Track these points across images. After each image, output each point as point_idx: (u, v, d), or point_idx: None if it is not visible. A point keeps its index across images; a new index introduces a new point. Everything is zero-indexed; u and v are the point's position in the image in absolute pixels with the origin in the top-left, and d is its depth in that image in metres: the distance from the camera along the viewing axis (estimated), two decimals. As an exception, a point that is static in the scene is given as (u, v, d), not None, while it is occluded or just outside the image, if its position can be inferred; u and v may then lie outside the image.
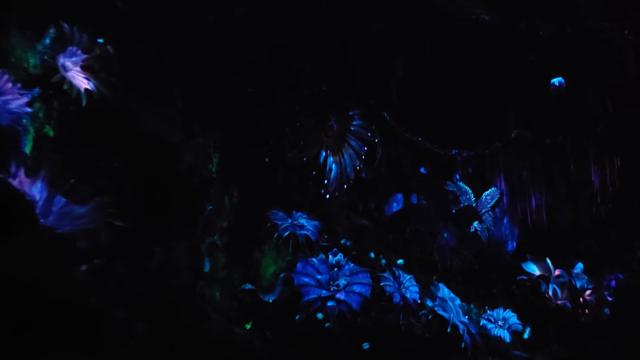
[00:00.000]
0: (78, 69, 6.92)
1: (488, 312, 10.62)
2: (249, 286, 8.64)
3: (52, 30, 6.72)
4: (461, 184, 12.88)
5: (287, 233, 9.15)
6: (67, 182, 6.11)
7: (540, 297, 11.22)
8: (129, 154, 7.58)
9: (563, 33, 9.83)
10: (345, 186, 10.54)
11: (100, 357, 5.52)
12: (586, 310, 11.19)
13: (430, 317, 9.37)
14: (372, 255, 9.41)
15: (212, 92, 9.45)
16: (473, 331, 9.63)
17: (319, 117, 10.65)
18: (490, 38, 10.45)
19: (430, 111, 12.20)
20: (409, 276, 9.54)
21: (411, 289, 9.41)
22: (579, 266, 11.97)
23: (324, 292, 8.72)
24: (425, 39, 10.56)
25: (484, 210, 12.87)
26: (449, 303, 9.91)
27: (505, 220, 13.28)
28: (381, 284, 9.10)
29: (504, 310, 10.56)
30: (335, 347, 8.30)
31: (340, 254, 9.10)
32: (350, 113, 10.84)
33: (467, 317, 10.13)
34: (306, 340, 8.25)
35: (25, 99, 6.38)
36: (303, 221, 9.40)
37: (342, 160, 10.57)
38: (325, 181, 10.37)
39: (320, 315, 8.39)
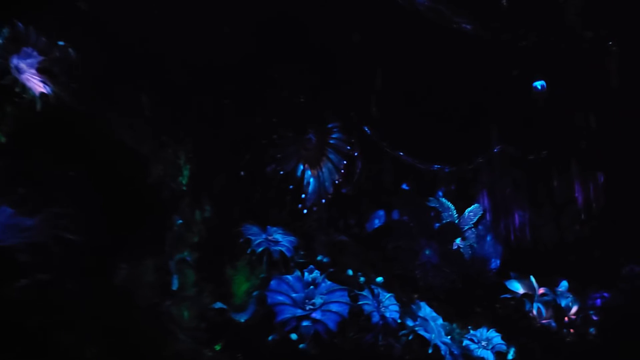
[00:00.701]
0: (33, 71, 6.42)
1: (471, 332, 10.13)
2: (219, 305, 8.10)
3: (5, 30, 6.23)
4: (444, 200, 12.44)
5: (261, 249, 8.64)
6: (16, 192, 5.56)
7: (525, 316, 10.76)
8: (91, 164, 7.06)
9: (546, 44, 9.51)
10: (323, 201, 10.06)
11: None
12: (571, 330, 10.74)
13: (410, 337, 8.88)
14: (351, 272, 8.92)
15: (185, 101, 8.98)
16: (455, 352, 9.13)
17: (297, 129, 10.19)
18: (473, 49, 10.09)
19: (412, 125, 11.81)
20: (388, 294, 9.05)
21: (391, 308, 8.92)
22: (564, 284, 11.53)
23: (299, 312, 8.20)
24: (406, 50, 10.16)
25: (466, 227, 12.42)
26: (431, 323, 9.42)
27: (488, 238, 12.83)
28: (359, 302, 8.61)
29: (488, 330, 10.08)
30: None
31: (316, 271, 8.60)
32: (330, 126, 10.40)
33: (449, 337, 9.64)
34: (279, 362, 7.70)
35: (-27, 103, 5.87)
36: (278, 236, 8.90)
37: (320, 174, 10.11)
38: (303, 196, 9.89)
39: (294, 336, 7.87)
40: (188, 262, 8.18)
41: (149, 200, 7.89)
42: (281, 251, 8.71)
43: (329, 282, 8.56)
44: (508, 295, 11.23)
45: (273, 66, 10.21)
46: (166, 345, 7.31)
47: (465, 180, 12.78)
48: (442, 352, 8.84)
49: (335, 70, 10.39)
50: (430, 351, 8.76)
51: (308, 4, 9.73)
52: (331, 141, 10.35)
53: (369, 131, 11.45)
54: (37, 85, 6.42)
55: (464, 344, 9.80)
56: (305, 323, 8.08)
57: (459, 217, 12.42)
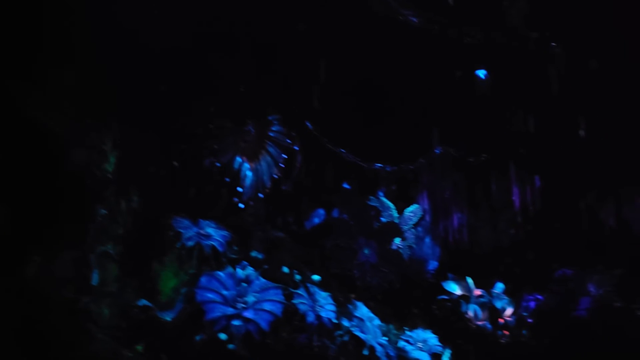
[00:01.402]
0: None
1: (407, 333, 9.86)
2: (144, 302, 7.48)
3: None
4: (384, 199, 12.18)
5: (191, 243, 8.07)
6: None
7: (461, 318, 10.58)
8: (3, 146, 6.31)
9: (491, 42, 9.35)
10: (261, 195, 9.54)
11: None
12: (505, 332, 10.64)
13: (346, 338, 8.49)
14: (286, 270, 8.45)
15: (116, 83, 8.28)
16: (391, 354, 8.83)
17: (235, 120, 9.64)
18: (419, 46, 9.82)
19: (354, 123, 11.47)
20: (325, 294, 8.65)
21: (327, 308, 8.52)
22: (499, 286, 11.45)
23: (229, 310, 7.68)
24: (350, 43, 9.80)
25: (406, 228, 12.19)
26: (367, 323, 9.08)
27: (427, 239, 12.65)
28: (294, 301, 8.16)
29: (424, 331, 9.83)
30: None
31: (250, 267, 8.09)
32: (270, 118, 9.90)
33: (385, 338, 9.32)
34: (206, 364, 7.14)
35: None
36: (210, 230, 8.34)
37: (258, 167, 9.60)
38: (239, 189, 9.35)
39: (223, 336, 7.32)
40: (111, 256, 7.52)
41: (69, 188, 7.17)
42: (213, 246, 8.17)
43: (262, 280, 8.08)
44: (445, 297, 11.06)
45: (213, 54, 9.64)
46: (81, 345, 6.63)
47: (406, 180, 12.57)
48: (378, 354, 8.50)
49: (277, 61, 9.90)
50: (365, 352, 8.41)
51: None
52: (271, 134, 9.86)
53: (310, 126, 11.04)
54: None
55: (400, 345, 9.51)
56: (235, 322, 7.58)
57: (399, 217, 12.19)
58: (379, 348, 8.55)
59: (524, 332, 10.71)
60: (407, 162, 12.27)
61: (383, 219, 12.06)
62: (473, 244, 13.04)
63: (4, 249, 6.12)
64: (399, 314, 10.64)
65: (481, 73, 9.71)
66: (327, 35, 9.67)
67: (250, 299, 7.78)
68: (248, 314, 7.68)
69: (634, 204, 12.77)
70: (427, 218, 12.72)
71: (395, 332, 9.77)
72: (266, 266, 8.31)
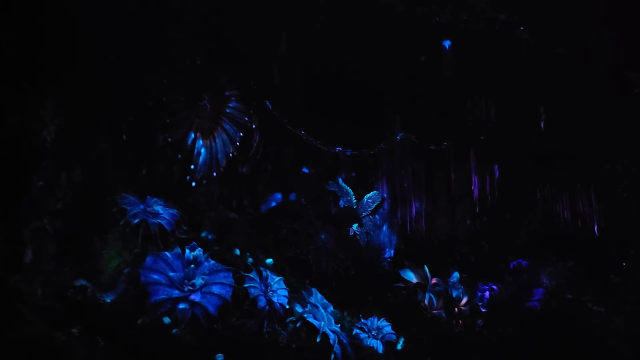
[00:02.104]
0: None
1: (362, 320, 9.48)
2: (82, 282, 6.83)
3: None
4: (343, 184, 11.78)
5: (137, 220, 7.47)
6: None
7: (416, 306, 10.28)
8: None
9: (458, 23, 8.99)
10: (214, 174, 8.99)
11: None
12: (460, 321, 10.39)
13: (298, 324, 8.04)
14: (238, 252, 7.94)
15: (60, 48, 7.55)
16: (345, 341, 8.42)
17: (190, 94, 9.03)
18: (386, 24, 9.38)
19: (316, 104, 11.01)
20: (278, 278, 8.17)
21: (279, 293, 8.05)
22: (455, 275, 11.20)
23: (175, 292, 7.13)
24: (314, 20, 9.29)
25: (364, 214, 11.83)
26: (321, 310, 8.65)
27: (384, 227, 12.32)
28: (245, 285, 7.66)
29: (379, 319, 9.47)
30: (182, 358, 6.68)
31: (199, 248, 7.52)
32: (227, 94, 9.32)
33: (339, 325, 8.92)
34: (147, 349, 6.57)
35: None
36: (158, 208, 7.75)
37: (213, 144, 9.04)
38: (192, 166, 8.77)
39: (167, 320, 6.76)
40: (47, 232, 6.85)
41: (0, 156, 6.47)
42: (160, 224, 7.58)
43: (212, 262, 7.54)
44: (401, 284, 10.74)
45: (170, 25, 8.99)
46: (9, 327, 5.98)
47: (366, 165, 12.20)
48: (331, 341, 8.08)
49: (236, 34, 9.31)
50: (318, 340, 7.97)
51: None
52: (227, 110, 9.30)
53: (270, 105, 10.51)
54: None
55: (354, 332, 9.13)
56: (181, 306, 7.03)
57: (357, 202, 11.82)
58: (332, 335, 8.13)
59: (478, 321, 10.48)
60: (368, 147, 11.90)
61: (341, 204, 11.67)
62: (430, 232, 12.82)
63: None
64: (354, 301, 10.27)
65: (446, 44, 9.31)
66: (290, 13, 9.13)
67: (199, 281, 7.23)
68: (195, 297, 7.14)
69: (588, 198, 12.76)
70: (386, 206, 12.40)
71: (349, 319, 9.38)
72: (217, 248, 7.75)
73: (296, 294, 8.57)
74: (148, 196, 7.78)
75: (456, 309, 10.46)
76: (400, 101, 11.59)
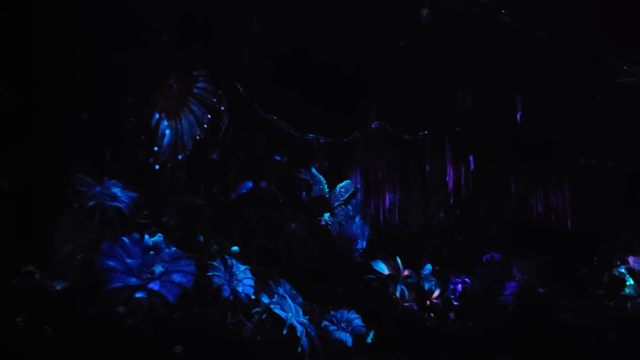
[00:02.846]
0: None
1: (331, 312, 9.09)
2: (31, 268, 6.27)
3: None
4: (315, 172, 11.33)
5: (92, 203, 6.92)
6: None
7: (387, 298, 9.93)
8: None
9: (437, 5, 8.61)
10: (180, 157, 8.47)
11: None
12: (432, 314, 10.08)
13: (264, 316, 7.61)
14: (202, 238, 7.45)
15: (18, 21, 6.97)
16: (312, 334, 8.01)
17: (155, 72, 8.48)
18: (363, 8, 8.96)
19: (289, 89, 10.54)
20: (244, 267, 7.72)
21: (245, 282, 7.60)
22: (428, 267, 10.91)
23: (133, 280, 6.63)
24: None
25: (336, 203, 11.41)
26: (289, 301, 8.23)
27: (357, 218, 11.94)
28: (208, 273, 7.19)
29: (349, 312, 9.09)
30: (137, 349, 6.20)
31: (160, 234, 7.02)
32: (195, 73, 8.79)
33: (307, 317, 8.51)
34: (99, 340, 6.07)
35: None
36: (117, 191, 7.22)
37: (179, 126, 8.53)
38: (156, 148, 8.24)
39: (122, 309, 6.26)
40: (-7, 213, 6.29)
41: None
42: (118, 208, 7.05)
43: (173, 249, 7.05)
44: (372, 276, 10.39)
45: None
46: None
47: (340, 154, 11.79)
48: (298, 333, 7.67)
49: (206, 11, 8.78)
50: (284, 332, 7.55)
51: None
52: (195, 91, 8.77)
53: (241, 89, 10.02)
54: None
55: (322, 324, 8.73)
56: (139, 294, 6.54)
57: (329, 192, 11.40)
58: (299, 327, 7.72)
59: (450, 314, 10.18)
60: (342, 134, 11.48)
61: (313, 193, 11.24)
62: (403, 224, 12.50)
63: None
64: (323, 293, 9.88)
65: (424, 12, 8.89)
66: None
67: (158, 269, 6.75)
68: (154, 286, 6.65)
69: (562, 192, 12.58)
70: (359, 196, 12.03)
71: (318, 311, 8.97)
72: (179, 234, 7.25)
73: (263, 284, 8.14)
74: (106, 178, 7.23)
75: (428, 302, 10.15)
76: (377, 88, 11.20)
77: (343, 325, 8.86)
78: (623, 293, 11.22)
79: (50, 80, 7.32)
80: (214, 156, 9.65)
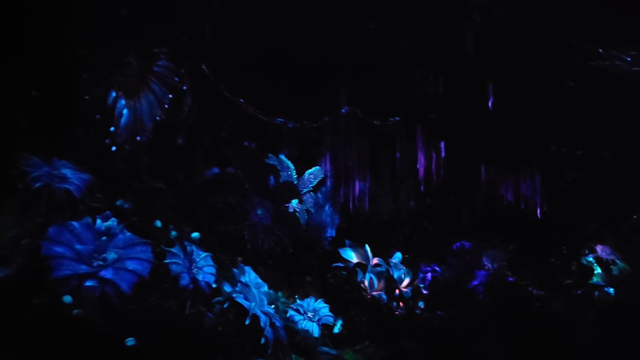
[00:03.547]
0: None
1: (298, 301, 8.71)
2: (-31, 254, 5.72)
3: None
4: (283, 158, 10.87)
5: (38, 184, 6.36)
6: None
7: (356, 287, 9.58)
8: None
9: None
10: (139, 138, 7.93)
11: None
12: (401, 303, 9.77)
13: (226, 305, 7.17)
14: (159, 224, 6.95)
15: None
16: (277, 324, 7.60)
17: (113, 48, 7.91)
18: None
19: (257, 72, 10.07)
20: (204, 254, 7.25)
21: (206, 270, 7.14)
22: (397, 256, 10.59)
23: (83, 268, 6.12)
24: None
25: (305, 190, 10.98)
26: (253, 290, 7.80)
27: (327, 207, 11.56)
28: (166, 261, 6.69)
29: (316, 301, 8.72)
30: (86, 343, 5.70)
31: (113, 219, 6.50)
32: (156, 51, 8.25)
33: (272, 306, 8.10)
34: (44, 332, 5.55)
35: None
36: (67, 172, 6.67)
37: (137, 106, 7.99)
38: (112, 128, 7.69)
39: (68, 299, 5.75)
40: None
41: None
42: (67, 190, 6.51)
43: (128, 234, 6.54)
44: (340, 264, 10.03)
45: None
46: None
47: (310, 141, 11.37)
48: (262, 324, 7.24)
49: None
50: (247, 322, 7.12)
51: None
52: (155, 69, 8.23)
53: (206, 69, 9.51)
54: None
55: (288, 314, 8.34)
56: (89, 283, 6.02)
57: (298, 178, 10.96)
58: (263, 317, 7.29)
59: (419, 303, 9.89)
60: (311, 119, 11.05)
61: (281, 180, 10.80)
62: (373, 212, 12.17)
63: None
64: (290, 281, 9.50)
65: None
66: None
67: (111, 255, 6.24)
68: (106, 274, 6.14)
69: (532, 181, 12.41)
70: (328, 184, 11.64)
71: (284, 300, 8.58)
72: (134, 218, 6.74)
73: (226, 272, 7.69)
74: (55, 158, 6.66)
75: (397, 291, 9.83)
76: (347, 72, 10.78)
77: (310, 314, 8.50)
78: (591, 282, 11.14)
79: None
80: (177, 139, 9.12)
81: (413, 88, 10.85)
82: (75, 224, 6.29)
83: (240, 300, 7.30)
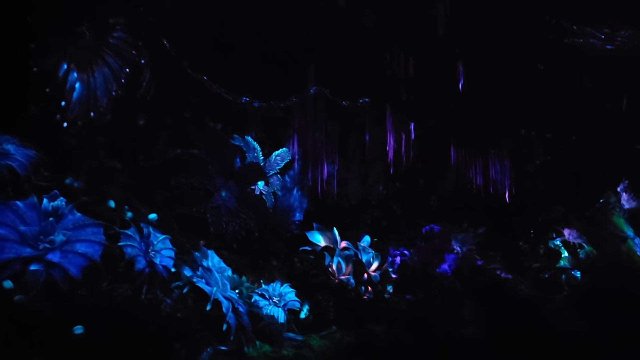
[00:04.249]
0: None
1: (263, 286, 8.33)
2: None
3: None
4: (249, 139, 10.39)
5: (-24, 161, 5.81)
6: None
7: (323, 272, 9.25)
8: None
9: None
10: (92, 114, 7.39)
11: None
12: (369, 288, 9.49)
13: (185, 290, 6.74)
14: (113, 204, 6.45)
15: None
16: (241, 309, 7.22)
17: (65, 18, 7.32)
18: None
19: (221, 46, 9.58)
20: (162, 236, 6.80)
21: (164, 254, 6.70)
22: (366, 239, 10.30)
23: (27, 251, 5.62)
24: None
25: (271, 172, 10.55)
26: (215, 274, 7.39)
27: (295, 190, 11.18)
28: (120, 243, 6.21)
29: (282, 285, 8.36)
30: (29, 331, 5.22)
31: (62, 198, 5.99)
32: (111, 21, 7.68)
33: (236, 292, 7.72)
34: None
35: None
36: (10, 148, 6.13)
37: (91, 79, 7.43)
38: (63, 103, 7.13)
39: (8, 284, 5.25)
40: None
41: None
42: (10, 167, 5.96)
43: (78, 215, 6.04)
44: (308, 248, 9.69)
45: None
46: None
47: (277, 122, 10.94)
48: (224, 309, 6.85)
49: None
50: (208, 307, 6.71)
51: None
52: (111, 41, 7.66)
53: (167, 44, 8.96)
54: None
55: (252, 299, 7.96)
56: (34, 267, 5.53)
57: (264, 159, 10.52)
58: (225, 302, 6.90)
59: (388, 287, 9.63)
60: (278, 99, 10.62)
61: (246, 161, 10.34)
62: (342, 195, 11.86)
63: None
64: (255, 266, 9.11)
65: None
66: None
67: (59, 238, 5.74)
68: (53, 257, 5.65)
69: (501, 164, 12.27)
70: (296, 167, 11.26)
71: (248, 284, 8.19)
72: (85, 198, 6.23)
73: (186, 255, 7.25)
74: (-2, 133, 6.12)
75: (365, 275, 9.54)
76: (316, 51, 10.37)
77: (275, 300, 8.13)
78: (558, 265, 11.08)
79: None
80: (136, 116, 8.58)
81: (383, 69, 10.51)
82: (19, 203, 5.77)
83: (201, 285, 6.89)
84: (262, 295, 8.11)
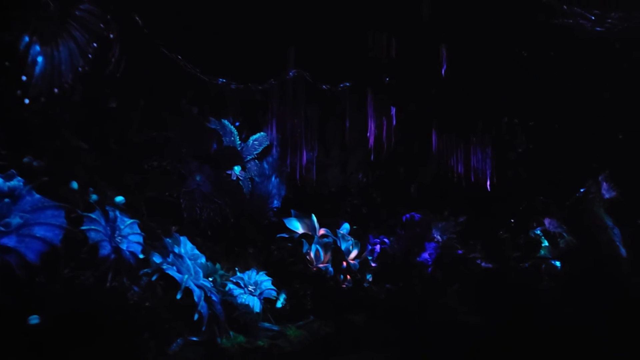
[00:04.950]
0: None
1: (238, 274, 7.94)
2: None
3: None
4: (226, 122, 9.95)
5: None
6: None
7: (301, 260, 8.89)
8: None
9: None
10: (56, 90, 6.88)
11: None
12: (348, 276, 9.16)
13: (154, 277, 6.33)
14: (75, 185, 5.99)
15: None
16: (214, 298, 6.85)
17: (27, -13, 6.79)
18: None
19: (197, 26, 9.09)
20: (130, 221, 6.36)
21: (131, 239, 6.28)
22: (345, 227, 9.96)
23: (-20, 235, 5.12)
24: None
25: (249, 157, 10.13)
26: (187, 261, 6.99)
27: (273, 177, 10.77)
28: (83, 227, 5.77)
29: (257, 273, 7.98)
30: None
31: (19, 178, 5.52)
32: (78, -8, 7.17)
33: (210, 280, 7.33)
34: None
35: None
36: (-39, 123, 5.61)
37: (55, 53, 6.91)
38: (24, 77, 6.62)
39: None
40: None
41: None
42: (-39, 144, 5.48)
43: (37, 196, 5.58)
44: (285, 235, 9.31)
45: None
46: None
47: (254, 103, 10.50)
48: (195, 298, 6.46)
49: None
50: (179, 296, 6.31)
51: None
52: (77, 13, 7.14)
53: (140, 21, 8.47)
54: None
55: (227, 288, 7.57)
56: (-14, 252, 5.06)
57: (241, 144, 10.09)
58: (197, 291, 6.51)
59: (367, 276, 9.32)
60: (256, 81, 10.18)
61: (223, 144, 9.91)
62: (321, 182, 11.50)
63: None
64: (230, 253, 8.72)
65: None
66: None
67: (15, 220, 5.29)
68: (8, 242, 5.20)
69: (483, 152, 12.02)
70: (274, 153, 10.83)
71: (222, 272, 7.80)
72: (46, 178, 5.76)
73: (156, 241, 6.83)
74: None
75: (344, 263, 9.21)
76: (296, 31, 9.93)
77: (250, 288, 7.75)
78: (538, 254, 10.91)
79: None
80: (104, 94, 8.07)
81: (365, 51, 10.13)
82: (-29, 184, 5.30)
83: (172, 272, 6.49)
84: (237, 284, 7.72)
